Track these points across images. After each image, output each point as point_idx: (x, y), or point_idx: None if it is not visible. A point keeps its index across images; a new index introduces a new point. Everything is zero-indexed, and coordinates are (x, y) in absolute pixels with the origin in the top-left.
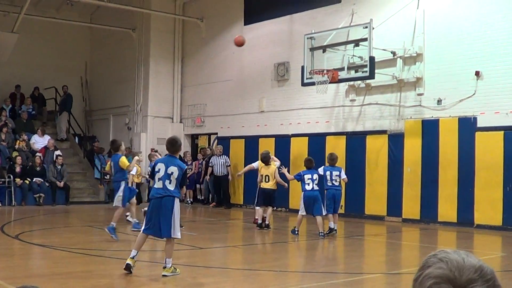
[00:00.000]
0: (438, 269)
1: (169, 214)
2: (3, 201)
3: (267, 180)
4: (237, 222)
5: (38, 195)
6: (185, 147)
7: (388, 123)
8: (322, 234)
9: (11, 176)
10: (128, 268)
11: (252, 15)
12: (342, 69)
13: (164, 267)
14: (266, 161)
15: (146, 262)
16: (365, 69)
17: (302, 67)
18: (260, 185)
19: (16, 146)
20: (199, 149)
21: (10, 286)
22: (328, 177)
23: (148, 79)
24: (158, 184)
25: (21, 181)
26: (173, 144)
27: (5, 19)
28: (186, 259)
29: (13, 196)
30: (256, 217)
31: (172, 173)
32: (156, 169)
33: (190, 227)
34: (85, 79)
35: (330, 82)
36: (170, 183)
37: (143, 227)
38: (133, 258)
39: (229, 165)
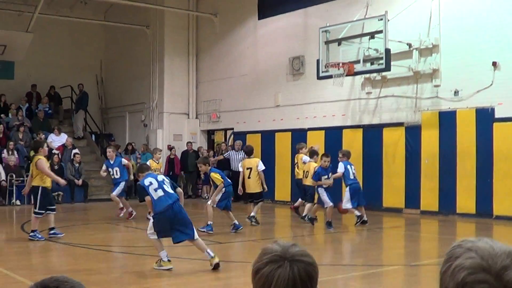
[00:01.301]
0: (469, 259)
1: (186, 215)
2: (22, 200)
3: (306, 176)
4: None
5: (56, 193)
6: (201, 142)
7: (405, 115)
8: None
9: None
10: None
11: (266, 9)
12: (357, 61)
13: (212, 257)
14: (310, 156)
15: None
16: (381, 62)
17: (318, 61)
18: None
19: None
20: (215, 145)
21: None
22: (350, 172)
23: (163, 75)
24: (159, 193)
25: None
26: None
27: (20, 19)
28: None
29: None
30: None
31: (163, 179)
32: (147, 184)
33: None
34: (101, 77)
35: (346, 75)
36: (168, 188)
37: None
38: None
39: None
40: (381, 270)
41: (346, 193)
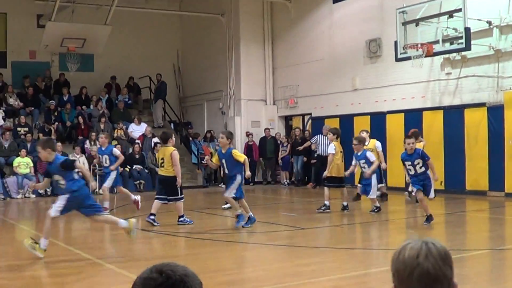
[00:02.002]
0: None
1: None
2: None
3: None
4: (337, 202)
5: (138, 181)
6: (279, 128)
7: (487, 96)
8: None
9: None
10: None
11: None
12: (436, 42)
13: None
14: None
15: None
16: (460, 41)
17: (395, 42)
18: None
19: (115, 135)
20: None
21: (121, 270)
22: None
23: (240, 63)
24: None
25: (122, 168)
26: None
27: (98, 12)
28: (288, 240)
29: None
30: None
31: None
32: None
33: (289, 208)
34: (178, 66)
35: (425, 56)
36: None
37: None
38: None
39: None
40: (468, 254)
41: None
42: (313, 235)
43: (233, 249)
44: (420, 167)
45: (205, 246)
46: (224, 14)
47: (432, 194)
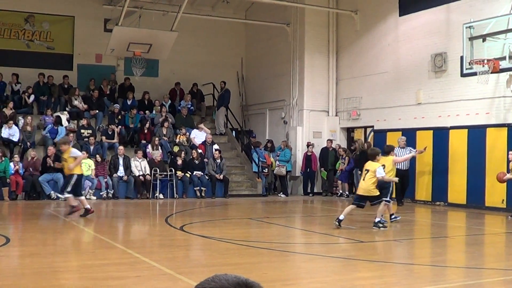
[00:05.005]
0: None
1: None
2: (165, 194)
3: None
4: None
5: (198, 188)
6: (341, 140)
7: None
8: None
9: (173, 170)
10: None
11: (407, 5)
12: (503, 58)
13: None
14: None
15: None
16: None
17: (461, 57)
18: None
19: (177, 141)
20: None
21: (180, 276)
22: None
23: (303, 73)
24: None
25: (182, 174)
26: None
27: (164, 19)
28: (347, 253)
29: (175, 189)
30: None
31: None
32: None
33: (349, 220)
34: (241, 74)
35: (491, 72)
36: None
37: None
38: None
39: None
40: None
41: None
42: (372, 248)
43: (291, 259)
44: None
45: (264, 255)
46: (289, 24)
47: None
